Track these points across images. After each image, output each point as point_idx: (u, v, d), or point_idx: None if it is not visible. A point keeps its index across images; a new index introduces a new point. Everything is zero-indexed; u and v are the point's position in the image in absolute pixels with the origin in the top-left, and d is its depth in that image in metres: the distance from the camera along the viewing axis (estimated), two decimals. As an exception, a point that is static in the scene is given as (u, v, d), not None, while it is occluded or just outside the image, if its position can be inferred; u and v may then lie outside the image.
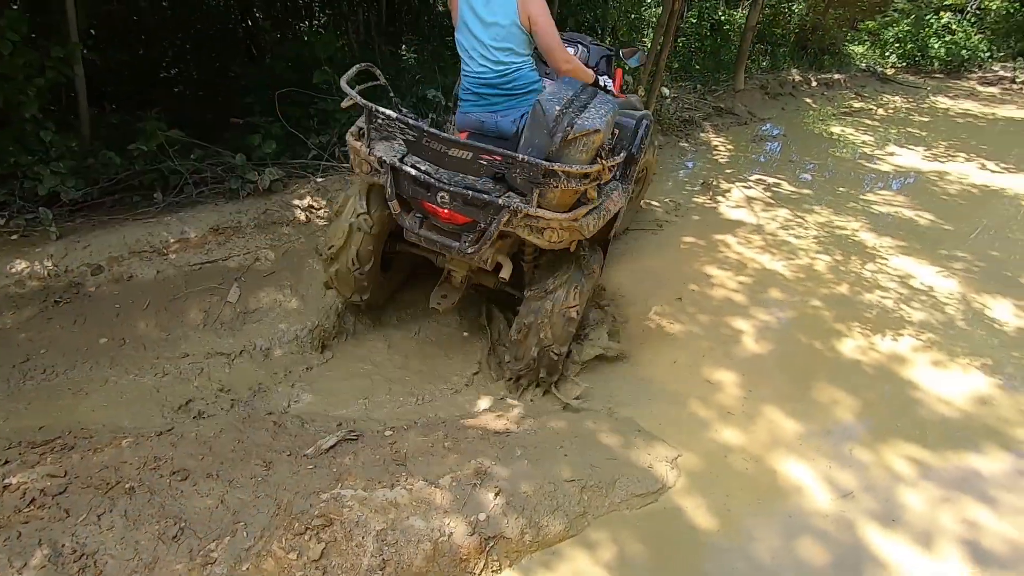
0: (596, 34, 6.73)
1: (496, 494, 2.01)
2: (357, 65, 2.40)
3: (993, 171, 5.72)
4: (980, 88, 8.88)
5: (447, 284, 2.73)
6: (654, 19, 7.71)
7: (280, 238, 3.37)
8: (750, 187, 4.94)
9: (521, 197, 2.11)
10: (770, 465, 2.33)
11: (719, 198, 4.69)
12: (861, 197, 4.91)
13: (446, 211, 2.21)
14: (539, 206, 2.07)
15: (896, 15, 9.16)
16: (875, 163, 5.76)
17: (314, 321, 2.94)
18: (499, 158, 1.99)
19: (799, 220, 4.37)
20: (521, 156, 1.95)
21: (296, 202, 3.63)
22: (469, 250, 2.26)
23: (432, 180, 2.13)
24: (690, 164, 5.47)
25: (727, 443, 2.42)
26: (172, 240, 3.06)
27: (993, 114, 7.81)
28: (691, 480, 2.25)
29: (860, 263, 3.83)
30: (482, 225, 2.17)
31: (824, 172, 5.49)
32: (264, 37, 5.04)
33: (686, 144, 5.75)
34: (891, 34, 8.95)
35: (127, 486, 1.84)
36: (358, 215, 2.50)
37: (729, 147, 5.87)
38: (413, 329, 3.11)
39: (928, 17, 9.12)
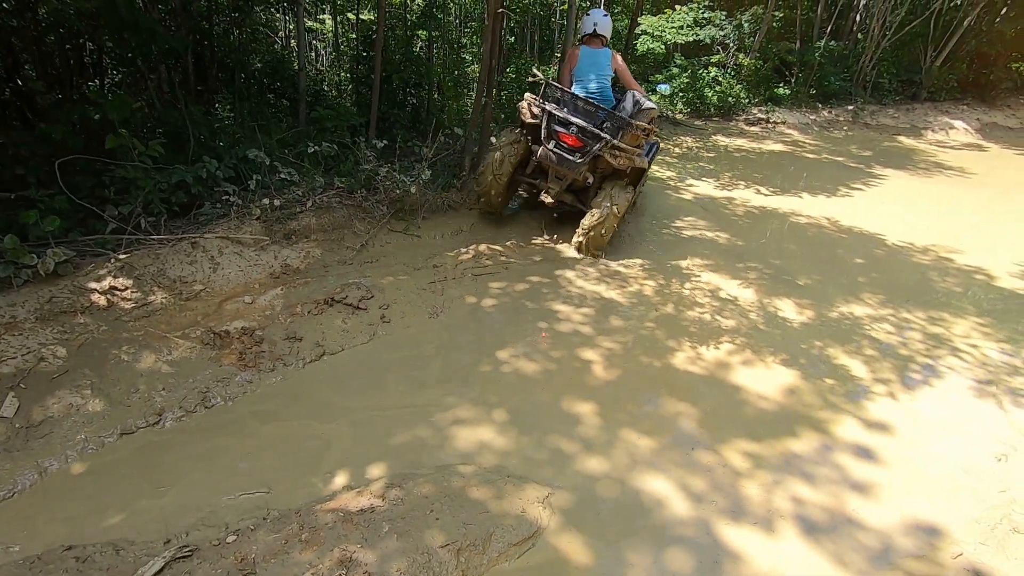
0: (423, 90, 6.93)
1: (365, 581, 1.83)
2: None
3: (766, 194, 6.88)
4: (746, 127, 10.75)
5: (549, 191, 4.77)
6: (476, 74, 8.17)
7: (73, 329, 2.85)
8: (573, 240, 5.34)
9: (611, 137, 4.18)
10: (633, 485, 2.45)
11: (556, 237, 4.99)
12: (672, 224, 5.57)
13: (572, 139, 4.26)
14: (620, 141, 4.20)
15: (676, 70, 10.81)
16: (679, 193, 6.61)
17: (129, 423, 2.50)
18: (606, 112, 4.27)
19: (625, 253, 4.81)
20: (617, 113, 4.30)
21: (92, 284, 3.12)
22: (579, 161, 4.29)
23: (569, 120, 4.22)
24: (517, 210, 5.79)
25: (593, 472, 2.50)
26: (-86, 350, 2.43)
27: (759, 148, 9.47)
28: (564, 516, 2.27)
29: (679, 283, 4.31)
30: (588, 148, 4.25)
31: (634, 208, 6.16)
32: (38, 99, 4.35)
33: (520, 191, 6.08)
34: (676, 85, 10.50)
35: None
36: (506, 149, 4.58)
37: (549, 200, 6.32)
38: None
39: (700, 72, 10.90)
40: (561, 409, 2.87)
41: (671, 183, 6.96)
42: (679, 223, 5.64)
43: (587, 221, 4.47)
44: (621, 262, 4.58)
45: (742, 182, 7.30)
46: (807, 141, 10.38)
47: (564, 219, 5.26)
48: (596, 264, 4.50)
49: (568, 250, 4.71)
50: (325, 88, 7.21)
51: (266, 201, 4.02)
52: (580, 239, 4.59)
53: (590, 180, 4.68)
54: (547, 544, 2.15)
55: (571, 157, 4.27)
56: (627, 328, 3.64)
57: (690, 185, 6.97)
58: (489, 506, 2.24)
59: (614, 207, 4.43)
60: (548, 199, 5.12)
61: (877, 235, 5.82)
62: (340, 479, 2.35)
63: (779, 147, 9.65)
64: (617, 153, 4.24)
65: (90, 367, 2.67)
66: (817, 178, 7.89)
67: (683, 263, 4.68)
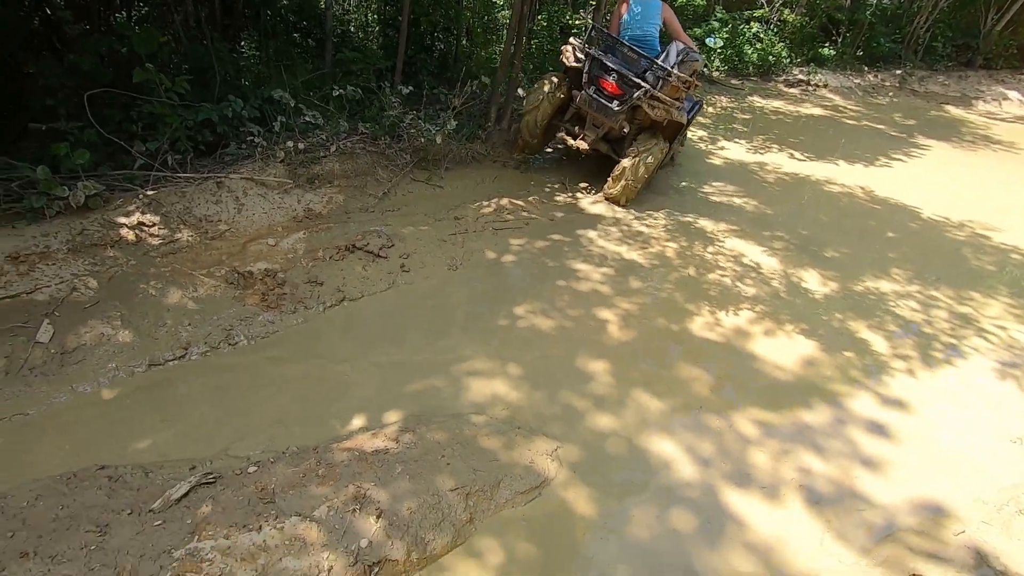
0: (452, 35, 6.72)
1: (377, 517, 1.91)
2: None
3: (799, 160, 6.64)
4: (785, 89, 10.28)
5: (585, 137, 4.77)
6: (507, 21, 7.88)
7: (103, 262, 2.93)
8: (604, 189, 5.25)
9: (651, 87, 4.11)
10: (641, 445, 2.49)
11: (579, 195, 4.91)
12: (699, 190, 5.44)
13: (612, 85, 4.24)
14: (660, 91, 4.11)
15: (716, 24, 10.28)
16: (710, 155, 6.41)
17: (157, 355, 2.59)
18: (648, 60, 4.20)
19: (649, 212, 4.72)
20: (659, 62, 4.16)
21: (122, 219, 3.18)
22: (616, 109, 4.26)
23: (610, 66, 4.19)
24: (546, 164, 5.68)
25: (602, 430, 2.54)
26: (-47, 274, 2.52)
27: (797, 112, 9.08)
28: (572, 470, 2.32)
29: (702, 247, 4.24)
30: (627, 96, 4.20)
31: (666, 169, 6.00)
32: (66, 29, 4.32)
33: (560, 135, 5.96)
34: (713, 42, 10.03)
35: (-97, 588, 1.47)
36: (548, 91, 4.65)
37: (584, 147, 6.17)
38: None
39: (741, 27, 10.36)
40: (575, 366, 2.90)
41: (702, 144, 6.75)
42: (707, 187, 5.50)
43: (619, 169, 4.50)
44: (645, 223, 4.50)
45: (776, 146, 7.05)
46: (848, 106, 9.91)
47: (591, 175, 5.16)
48: (619, 224, 4.43)
49: (592, 208, 4.64)
50: (352, 29, 7.03)
51: (290, 144, 4.00)
52: (610, 188, 4.62)
53: (626, 129, 4.66)
54: (553, 495, 2.21)
55: (609, 104, 4.28)
56: (646, 289, 3.61)
57: (722, 148, 6.75)
58: (499, 455, 2.30)
59: (648, 158, 4.42)
60: (583, 146, 5.04)
61: (913, 208, 5.61)
62: (356, 421, 2.42)
63: (818, 111, 9.25)
64: (655, 104, 4.19)
65: (120, 299, 2.75)
66: (855, 146, 7.58)
67: (708, 227, 4.59)
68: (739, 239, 4.47)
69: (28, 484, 1.92)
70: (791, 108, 9.30)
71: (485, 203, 4.43)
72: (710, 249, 4.24)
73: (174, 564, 1.63)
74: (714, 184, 5.60)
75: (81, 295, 2.70)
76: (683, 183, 5.51)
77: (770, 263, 4.15)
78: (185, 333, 2.72)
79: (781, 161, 6.55)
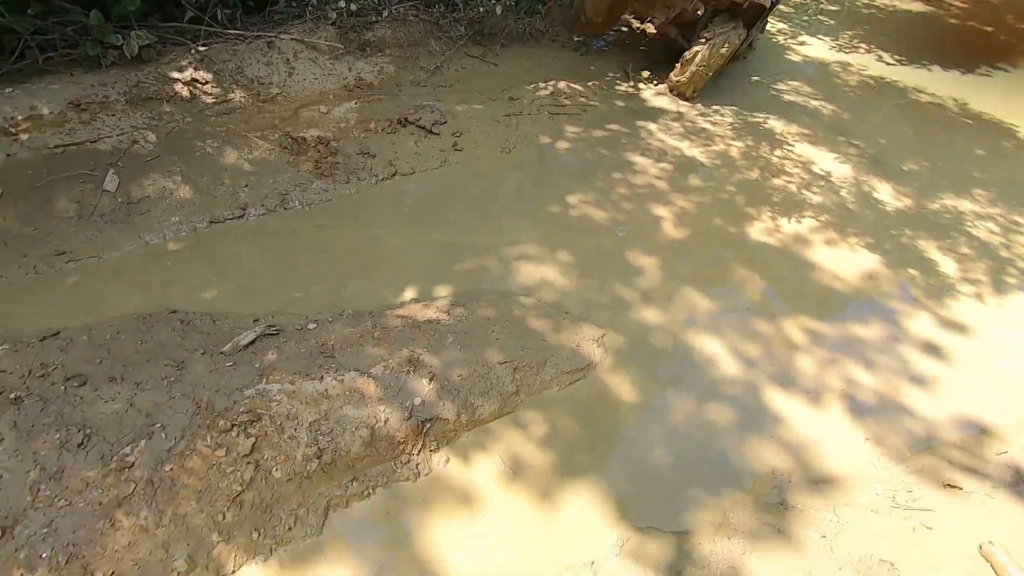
0: None
1: (430, 380, 2.00)
2: None
3: (888, 63, 5.99)
4: (884, -20, 9.07)
5: (654, 20, 4.52)
6: None
7: (160, 116, 2.91)
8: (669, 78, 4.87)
9: None
10: (687, 341, 2.49)
11: (640, 85, 4.59)
12: (772, 87, 5.00)
13: None
14: None
15: None
16: (789, 51, 5.84)
17: (216, 213, 2.64)
18: None
19: (716, 108, 4.40)
20: None
21: (175, 74, 3.11)
22: None
23: None
24: (608, 48, 5.26)
25: (648, 322, 2.54)
26: (20, 117, 2.55)
27: (893, 6, 8.07)
28: (616, 357, 2.36)
29: (769, 149, 3.98)
30: None
31: (738, 62, 5.50)
32: None
33: (626, 17, 5.48)
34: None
35: (11, 396, 1.63)
36: None
37: (651, 31, 5.66)
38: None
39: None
40: (625, 258, 2.85)
41: (781, 38, 6.12)
42: (781, 85, 5.05)
43: (690, 54, 4.14)
44: (710, 119, 4.21)
45: (863, 45, 6.35)
46: (954, 2, 8.75)
47: (655, 64, 4.78)
48: (681, 119, 4.16)
49: (654, 99, 4.35)
50: None
51: (343, 4, 3.77)
52: (677, 76, 4.28)
53: (700, 12, 4.21)
54: (597, 379, 2.27)
55: None
56: (705, 189, 3.45)
57: (803, 43, 6.12)
58: (546, 337, 2.34)
59: (722, 46, 4.05)
60: (650, 30, 4.61)
61: (1008, 125, 5.09)
62: (408, 292, 2.47)
63: (917, 6, 8.20)
64: None
65: (179, 155, 2.77)
66: (955, 49, 6.77)
67: (778, 128, 4.27)
68: (810, 144, 4.16)
69: (108, 320, 2.06)
70: (887, 2, 8.26)
71: (542, 85, 4.18)
72: (777, 152, 3.97)
73: (246, 400, 1.76)
74: (789, 83, 5.13)
75: (142, 148, 2.72)
76: (755, 78, 5.07)
77: (841, 171, 3.88)
78: (243, 194, 2.75)
79: (867, 62, 5.92)
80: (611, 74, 4.61)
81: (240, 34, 3.52)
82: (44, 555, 1.40)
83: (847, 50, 6.14)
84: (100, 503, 1.50)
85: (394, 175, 3.13)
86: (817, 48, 6.04)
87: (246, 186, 2.78)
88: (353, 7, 3.85)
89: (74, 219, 2.40)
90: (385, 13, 4.09)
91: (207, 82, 3.20)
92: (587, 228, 3.00)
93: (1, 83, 2.68)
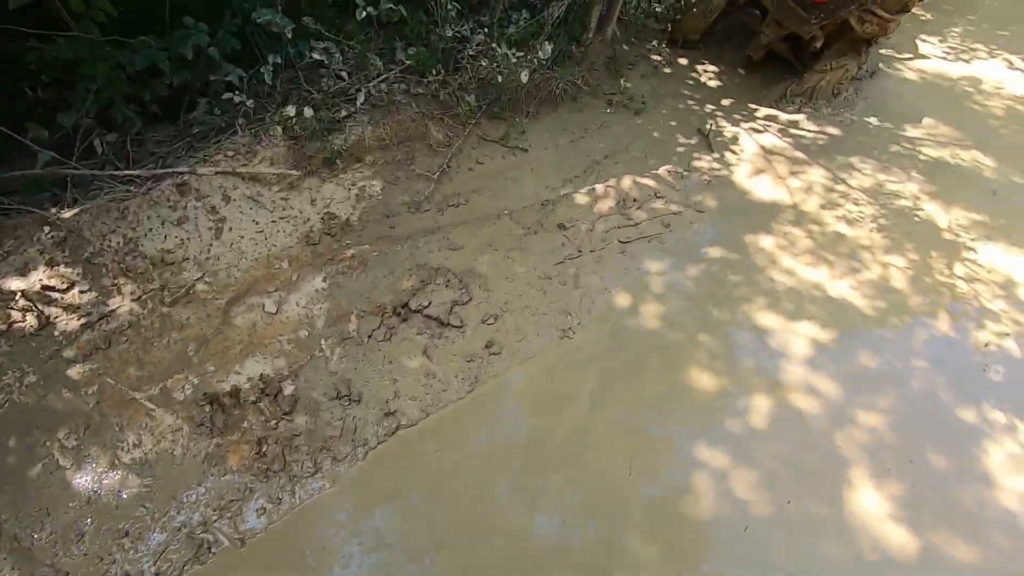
0: None
1: None
2: None
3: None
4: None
5: (755, 44, 3.86)
6: None
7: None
8: (760, 130, 3.51)
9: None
10: None
11: (727, 154, 3.25)
12: (901, 134, 3.62)
13: None
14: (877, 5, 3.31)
15: None
16: (895, 63, 4.40)
17: None
18: None
19: (841, 189, 3.06)
20: None
21: (11, 283, 1.83)
22: (813, 21, 3.44)
23: None
24: (669, 90, 3.88)
25: None
26: None
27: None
28: None
29: (944, 261, 2.66)
30: (831, 7, 3.35)
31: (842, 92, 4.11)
32: None
33: (658, 57, 4.06)
34: None
35: None
36: None
37: (718, 59, 4.23)
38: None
39: None
40: None
41: (883, 51, 4.67)
42: (910, 132, 3.68)
43: (810, 76, 3.76)
44: (837, 211, 2.89)
45: (980, 46, 4.90)
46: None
47: (740, 95, 3.43)
48: (801, 222, 2.83)
49: (747, 180, 3.01)
50: None
51: (291, 109, 2.42)
52: (800, 95, 3.80)
53: (818, 44, 3.71)
54: None
55: (806, 14, 3.42)
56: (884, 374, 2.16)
57: (922, 56, 4.66)
58: None
59: (839, 75, 3.71)
60: (756, 56, 3.98)
61: None
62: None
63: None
64: (868, 18, 3.36)
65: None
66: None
67: (940, 220, 2.93)
68: (991, 242, 2.83)
69: None
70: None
71: (598, 189, 2.85)
72: (958, 269, 2.66)
73: None
74: (920, 127, 3.75)
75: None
76: (871, 120, 3.70)
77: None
78: (118, 559, 1.48)
79: (999, 71, 4.49)
80: (682, 139, 3.28)
81: (132, 175, 2.21)
82: None
83: (964, 54, 4.71)
84: None
85: (395, 430, 1.86)
86: (929, 55, 4.61)
87: (125, 536, 1.52)
88: (310, 107, 2.50)
89: None
90: (361, 98, 2.75)
91: (68, 286, 1.91)
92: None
93: None
